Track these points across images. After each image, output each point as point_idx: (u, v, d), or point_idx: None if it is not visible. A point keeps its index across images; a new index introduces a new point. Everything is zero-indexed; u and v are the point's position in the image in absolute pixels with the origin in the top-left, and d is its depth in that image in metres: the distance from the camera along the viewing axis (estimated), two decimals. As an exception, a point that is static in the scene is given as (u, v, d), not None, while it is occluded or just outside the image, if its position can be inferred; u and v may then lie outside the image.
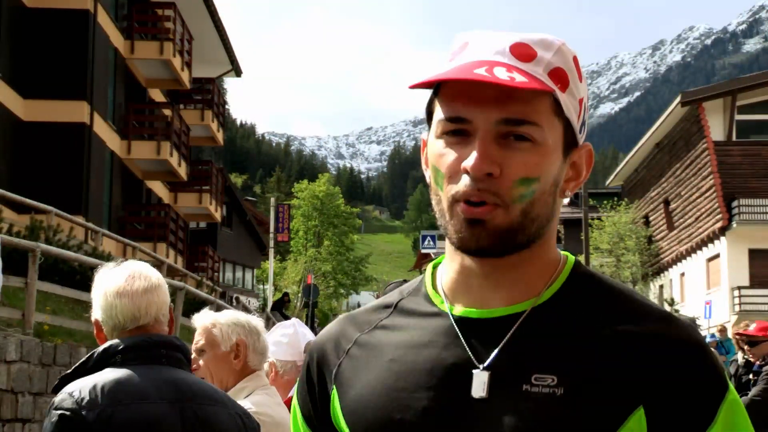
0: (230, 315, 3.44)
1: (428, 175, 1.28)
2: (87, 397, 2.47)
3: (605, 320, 1.23)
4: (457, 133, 1.23)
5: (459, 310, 1.28)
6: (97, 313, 2.71)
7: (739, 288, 32.60)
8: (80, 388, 2.50)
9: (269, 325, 21.56)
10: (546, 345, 1.22)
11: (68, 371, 2.63)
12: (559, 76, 1.24)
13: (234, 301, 30.26)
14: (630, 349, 1.21)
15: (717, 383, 1.22)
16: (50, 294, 12.30)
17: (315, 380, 1.36)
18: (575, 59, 1.27)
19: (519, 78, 1.18)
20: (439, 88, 1.25)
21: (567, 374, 1.19)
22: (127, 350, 2.60)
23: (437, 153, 1.25)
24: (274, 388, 3.49)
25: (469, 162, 1.20)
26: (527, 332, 1.24)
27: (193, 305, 15.34)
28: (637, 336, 1.22)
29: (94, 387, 2.50)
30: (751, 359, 7.80)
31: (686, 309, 33.46)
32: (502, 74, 1.18)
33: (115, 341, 2.63)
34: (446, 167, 1.23)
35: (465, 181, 1.21)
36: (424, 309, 1.32)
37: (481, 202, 1.20)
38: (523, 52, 1.23)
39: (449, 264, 1.31)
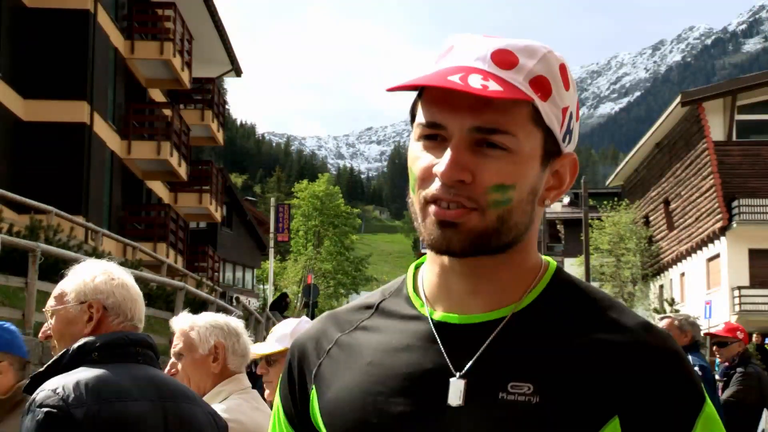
0: (208, 317, 3.38)
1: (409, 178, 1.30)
2: (72, 394, 2.38)
3: (583, 329, 1.23)
4: (433, 137, 1.23)
5: (439, 314, 1.28)
6: (105, 299, 2.62)
7: (739, 288, 32.60)
8: (63, 385, 2.40)
9: (269, 325, 21.53)
10: (523, 353, 1.22)
11: (40, 369, 2.55)
12: (540, 84, 1.23)
13: (234, 301, 30.24)
14: (607, 358, 1.20)
15: (694, 394, 1.21)
16: (50, 294, 12.29)
17: (296, 378, 1.37)
18: (562, 67, 1.26)
19: (493, 86, 1.18)
20: (422, 91, 1.26)
21: (543, 383, 1.19)
22: (104, 347, 2.53)
23: (414, 156, 1.26)
24: (255, 392, 3.42)
25: (440, 168, 1.20)
26: (505, 340, 1.24)
27: (193, 305, 15.33)
28: (615, 345, 1.21)
29: (77, 384, 2.41)
30: (719, 360, 7.65)
31: (686, 309, 33.45)
32: (476, 82, 1.18)
33: (91, 338, 2.55)
34: (420, 170, 1.24)
35: (436, 185, 1.21)
36: (405, 312, 1.32)
37: (452, 205, 1.21)
38: (504, 59, 1.22)
39: (430, 266, 1.32)
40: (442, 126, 1.22)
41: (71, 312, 2.65)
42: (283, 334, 3.39)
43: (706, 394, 1.23)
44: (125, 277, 2.70)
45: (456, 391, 1.21)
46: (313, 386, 1.33)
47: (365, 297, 1.41)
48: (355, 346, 1.32)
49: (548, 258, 1.33)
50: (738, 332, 7.54)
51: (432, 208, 1.22)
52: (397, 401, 1.23)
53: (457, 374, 1.22)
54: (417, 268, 1.37)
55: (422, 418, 1.22)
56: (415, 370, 1.25)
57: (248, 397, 3.31)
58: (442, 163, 1.20)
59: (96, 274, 2.67)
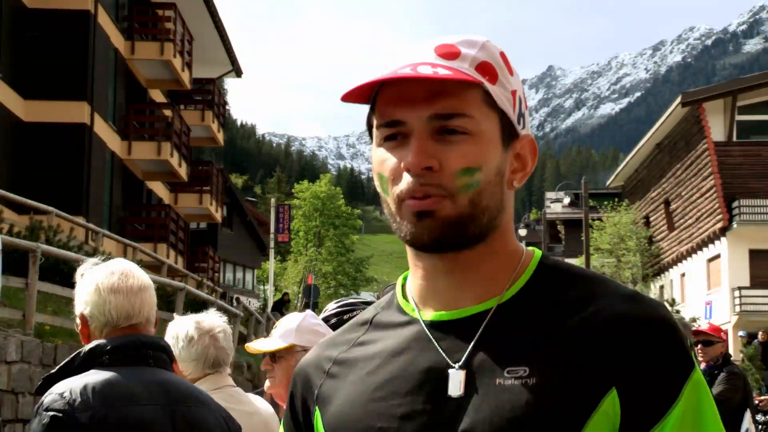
0: (173, 323, 3.39)
1: (377, 185, 1.30)
2: (79, 399, 2.40)
3: (573, 308, 1.25)
4: (395, 137, 1.26)
5: (429, 314, 1.30)
6: (84, 308, 2.64)
7: (740, 288, 32.60)
8: (70, 388, 2.43)
9: (269, 325, 21.50)
10: (517, 338, 1.24)
11: (52, 371, 2.56)
12: (486, 69, 1.27)
13: (234, 301, 30.24)
14: (598, 332, 1.22)
15: (683, 361, 1.22)
16: (51, 294, 12.30)
17: (299, 405, 1.38)
18: (503, 54, 1.31)
19: (443, 72, 1.21)
20: (375, 100, 1.29)
21: (538, 364, 1.21)
22: (114, 351, 2.54)
23: (379, 160, 1.28)
24: (235, 390, 3.41)
25: (407, 159, 1.23)
26: (498, 328, 1.25)
27: (194, 306, 15.33)
28: (605, 319, 1.22)
29: (85, 388, 2.43)
30: (701, 358, 7.60)
31: (687, 310, 33.45)
32: (426, 70, 1.22)
33: (102, 341, 2.57)
34: (389, 171, 1.26)
35: (407, 179, 1.23)
36: (397, 319, 1.34)
37: (426, 195, 1.23)
38: (447, 51, 1.27)
39: (414, 271, 1.33)
40: (402, 122, 1.24)
41: (79, 328, 2.71)
42: (288, 329, 3.28)
43: (696, 361, 1.25)
44: (103, 279, 2.64)
45: (456, 381, 1.23)
46: (317, 407, 1.34)
47: (359, 315, 1.43)
48: (353, 361, 1.33)
49: (533, 247, 1.35)
50: (721, 333, 7.58)
51: (407, 202, 1.24)
52: (398, 402, 1.25)
53: (456, 366, 1.24)
54: (405, 279, 1.38)
55: (425, 412, 1.23)
56: (414, 369, 1.26)
57: (223, 395, 3.25)
58: (408, 155, 1.23)
59: (82, 287, 2.68)
